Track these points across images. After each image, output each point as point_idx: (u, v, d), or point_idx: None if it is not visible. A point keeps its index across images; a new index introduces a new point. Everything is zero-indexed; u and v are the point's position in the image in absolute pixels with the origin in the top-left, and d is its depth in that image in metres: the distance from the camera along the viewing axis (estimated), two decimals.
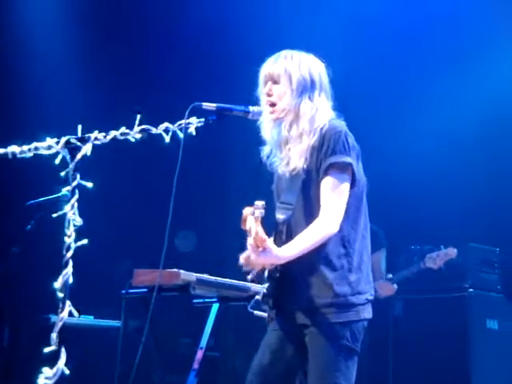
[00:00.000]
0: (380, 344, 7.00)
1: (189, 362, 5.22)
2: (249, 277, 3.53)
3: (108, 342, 6.28)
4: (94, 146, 3.25)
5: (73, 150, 3.21)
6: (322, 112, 3.55)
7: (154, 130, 3.31)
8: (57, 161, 3.23)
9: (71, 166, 3.18)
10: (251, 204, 3.23)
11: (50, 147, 3.27)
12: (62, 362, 2.97)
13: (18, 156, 3.37)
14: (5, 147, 3.38)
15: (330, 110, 3.59)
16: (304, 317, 3.47)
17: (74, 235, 3.10)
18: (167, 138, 3.31)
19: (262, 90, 3.61)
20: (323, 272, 3.44)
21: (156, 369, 5.49)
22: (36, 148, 3.32)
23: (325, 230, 3.40)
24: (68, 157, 3.21)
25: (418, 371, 6.85)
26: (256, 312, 3.57)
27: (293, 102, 3.54)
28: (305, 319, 3.46)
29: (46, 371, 2.97)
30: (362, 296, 3.48)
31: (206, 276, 4.76)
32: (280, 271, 3.48)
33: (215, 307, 5.25)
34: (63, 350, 3.00)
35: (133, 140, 3.32)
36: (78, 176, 3.16)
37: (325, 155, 3.46)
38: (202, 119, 3.40)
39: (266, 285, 3.51)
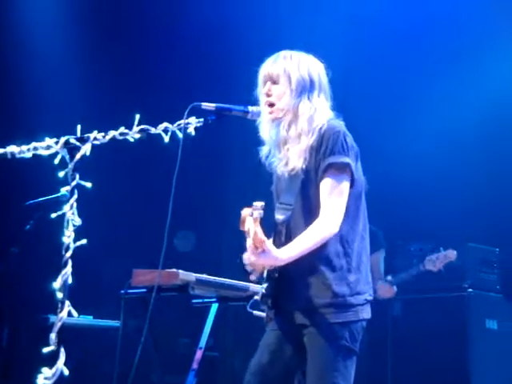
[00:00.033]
0: (379, 344, 7.00)
1: (188, 362, 5.22)
2: (252, 277, 3.53)
3: (107, 342, 6.28)
4: (93, 146, 3.25)
5: (72, 149, 3.21)
6: (320, 112, 3.54)
7: (153, 130, 3.30)
8: (56, 161, 3.23)
9: (70, 165, 3.18)
10: (250, 204, 3.23)
11: (49, 147, 3.27)
12: (61, 362, 2.97)
13: (17, 156, 3.37)
14: (4, 147, 3.38)
15: (329, 110, 3.59)
16: (303, 317, 3.46)
17: (73, 235, 3.09)
18: (166, 138, 3.31)
19: (261, 90, 3.61)
20: (323, 272, 3.44)
21: (155, 369, 5.48)
22: (35, 148, 3.31)
23: (325, 230, 3.40)
24: (67, 157, 3.21)
25: (416, 371, 6.85)
26: (255, 312, 3.57)
27: (292, 102, 3.54)
28: (303, 319, 3.46)
29: (45, 371, 2.97)
30: (360, 296, 3.48)
31: (205, 276, 4.76)
32: (279, 271, 3.47)
33: (214, 307, 5.26)
34: (62, 350, 2.99)
35: (132, 140, 3.31)
36: (77, 176, 3.16)
37: (323, 155, 3.46)
38: (201, 119, 3.40)
39: (265, 285, 3.51)
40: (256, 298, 3.53)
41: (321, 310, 3.42)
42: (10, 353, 6.43)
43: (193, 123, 3.36)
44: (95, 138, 3.26)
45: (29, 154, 3.34)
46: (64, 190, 3.17)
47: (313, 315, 3.44)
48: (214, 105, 3.49)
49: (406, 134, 7.76)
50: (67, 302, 3.03)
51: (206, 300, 5.18)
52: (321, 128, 3.51)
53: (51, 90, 7.79)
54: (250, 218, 3.21)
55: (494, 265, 7.17)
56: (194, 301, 5.22)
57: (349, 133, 3.54)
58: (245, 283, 4.73)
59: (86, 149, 3.22)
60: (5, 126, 7.06)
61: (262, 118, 3.58)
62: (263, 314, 3.59)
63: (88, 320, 5.91)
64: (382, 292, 6.81)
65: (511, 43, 7.76)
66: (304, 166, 3.49)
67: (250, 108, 3.57)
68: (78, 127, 3.26)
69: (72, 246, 3.08)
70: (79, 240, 3.10)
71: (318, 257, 3.43)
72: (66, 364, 2.98)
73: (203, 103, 3.46)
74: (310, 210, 3.48)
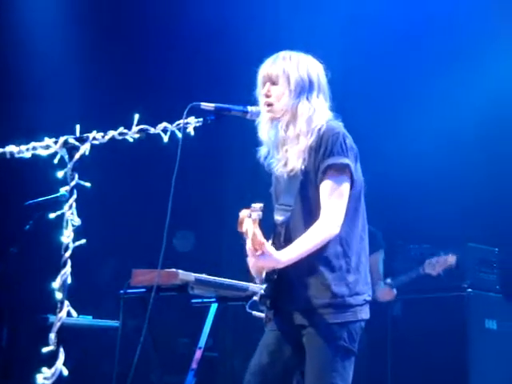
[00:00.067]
0: (378, 344, 7.00)
1: (187, 362, 5.22)
2: (256, 279, 3.52)
3: (106, 342, 6.28)
4: (93, 146, 3.25)
5: (71, 149, 3.20)
6: (319, 113, 3.54)
7: (152, 130, 3.30)
8: (55, 160, 3.23)
9: (69, 165, 3.18)
10: (249, 205, 3.22)
11: (48, 147, 3.27)
12: (60, 362, 2.97)
13: (16, 156, 3.37)
14: (3, 147, 3.38)
15: (328, 111, 3.59)
16: (302, 317, 3.47)
17: (72, 235, 3.09)
18: (165, 138, 3.31)
19: (260, 91, 3.61)
20: (322, 273, 3.44)
21: (154, 369, 5.48)
22: (34, 148, 3.32)
23: (325, 232, 3.40)
24: (66, 157, 3.21)
25: (416, 371, 6.84)
26: (254, 312, 3.56)
27: (290, 103, 3.54)
28: (302, 320, 3.46)
29: (45, 371, 2.97)
30: (359, 297, 3.48)
31: (204, 276, 4.76)
32: (278, 272, 3.47)
33: (214, 307, 5.25)
34: (62, 349, 3.00)
35: (131, 140, 3.31)
36: (77, 176, 3.16)
37: (322, 157, 3.46)
38: (201, 119, 3.39)
39: (264, 285, 3.51)
40: (255, 298, 3.52)
41: (320, 310, 3.42)
42: (10, 353, 6.42)
43: (192, 123, 3.36)
44: (94, 138, 3.26)
45: (28, 154, 3.34)
46: (63, 189, 3.17)
47: (312, 316, 3.44)
48: (213, 105, 3.48)
49: (406, 134, 7.75)
50: (66, 302, 3.03)
51: (205, 300, 5.18)
52: (320, 129, 3.51)
53: (50, 89, 7.78)
54: (249, 219, 3.21)
55: (493, 265, 7.16)
56: (194, 301, 5.21)
57: (348, 134, 3.54)
58: (244, 283, 4.72)
59: (85, 149, 3.22)
60: (4, 126, 7.06)
61: (261, 119, 3.58)
62: (262, 315, 3.58)
63: (87, 320, 5.91)
64: (382, 295, 6.82)
65: (511, 43, 7.75)
66: (303, 167, 3.49)
67: (250, 108, 3.57)
68: (77, 127, 3.26)
69: (71, 245, 3.08)
70: (78, 240, 3.10)
71: (317, 257, 3.43)
72: (65, 364, 2.98)
73: (202, 103, 3.46)
74: (309, 211, 3.48)
